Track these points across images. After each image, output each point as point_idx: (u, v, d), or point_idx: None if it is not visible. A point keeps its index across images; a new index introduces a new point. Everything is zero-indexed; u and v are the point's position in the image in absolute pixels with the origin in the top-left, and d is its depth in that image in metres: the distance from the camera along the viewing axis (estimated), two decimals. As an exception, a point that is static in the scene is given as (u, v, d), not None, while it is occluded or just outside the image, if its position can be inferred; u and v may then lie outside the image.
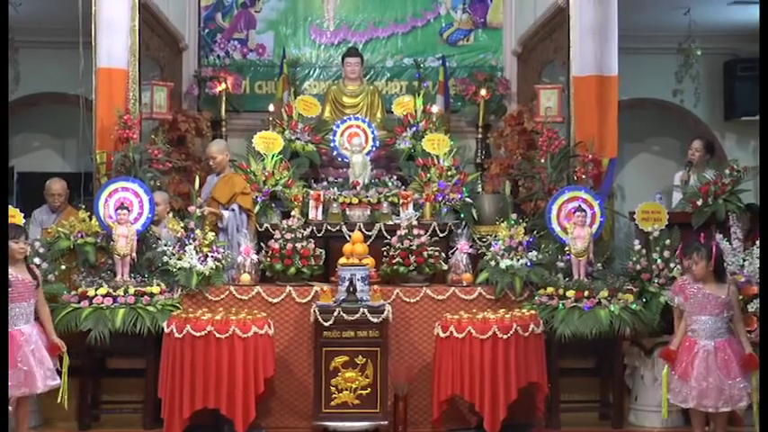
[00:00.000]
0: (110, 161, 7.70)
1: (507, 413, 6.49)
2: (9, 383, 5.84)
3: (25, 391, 6.07)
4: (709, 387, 6.06)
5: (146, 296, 6.98)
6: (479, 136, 9.65)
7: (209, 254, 7.27)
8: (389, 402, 6.67)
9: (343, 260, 7.14)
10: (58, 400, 6.36)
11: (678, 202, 8.12)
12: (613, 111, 8.09)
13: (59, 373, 6.26)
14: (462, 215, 8.42)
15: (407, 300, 7.18)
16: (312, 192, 8.33)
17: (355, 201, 8.24)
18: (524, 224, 7.52)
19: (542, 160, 8.11)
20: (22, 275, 6.15)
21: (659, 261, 7.30)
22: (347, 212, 8.19)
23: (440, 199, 8.36)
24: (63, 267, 7.24)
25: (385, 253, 7.50)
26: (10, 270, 6.04)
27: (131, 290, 6.97)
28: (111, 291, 6.95)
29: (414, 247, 7.37)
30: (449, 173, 8.59)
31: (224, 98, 9.52)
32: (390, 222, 8.01)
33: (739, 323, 6.20)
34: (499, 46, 10.39)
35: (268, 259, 7.41)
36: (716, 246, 6.29)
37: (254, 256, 7.48)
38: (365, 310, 6.62)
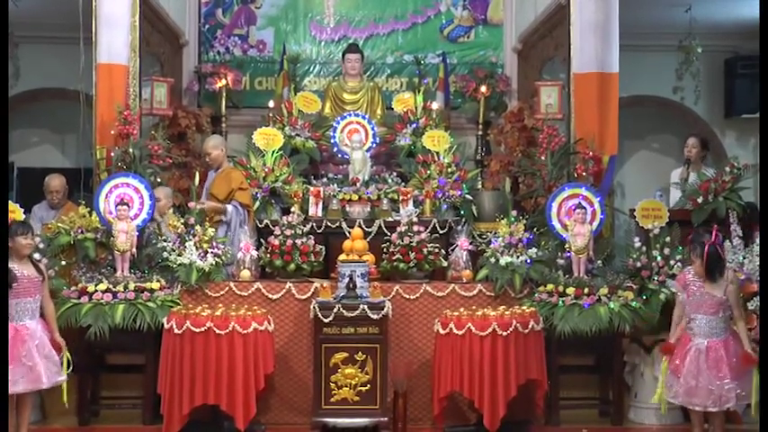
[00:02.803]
0: (110, 157, 7.68)
1: (507, 410, 6.49)
2: (12, 379, 5.84)
3: (28, 387, 6.06)
4: (698, 386, 6.03)
5: (145, 292, 6.98)
6: (479, 133, 9.62)
7: (209, 250, 7.27)
8: (389, 399, 6.67)
9: (342, 257, 7.15)
10: (64, 399, 6.36)
11: (678, 200, 8.12)
12: (614, 108, 8.08)
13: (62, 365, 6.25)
14: (462, 212, 8.42)
15: (407, 296, 7.18)
16: (312, 188, 8.33)
17: (355, 197, 8.24)
18: (524, 221, 7.52)
19: (542, 157, 8.11)
20: (27, 271, 6.15)
21: (659, 258, 7.30)
22: (347, 209, 8.18)
23: (440, 196, 8.36)
24: (63, 263, 7.24)
25: (385, 249, 7.49)
26: (14, 265, 6.05)
27: (131, 285, 6.97)
28: (110, 286, 6.95)
29: (413, 244, 7.37)
30: (449, 170, 8.59)
31: (224, 94, 9.49)
32: (390, 219, 8.00)
33: (740, 322, 6.15)
34: (500, 43, 10.38)
35: (268, 255, 7.41)
36: (708, 245, 6.21)
37: (254, 252, 7.48)
38: (365, 306, 6.62)
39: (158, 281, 7.08)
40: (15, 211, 7.00)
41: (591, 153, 7.85)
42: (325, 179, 8.79)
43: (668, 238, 7.38)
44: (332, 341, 6.62)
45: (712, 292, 6.12)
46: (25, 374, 6.00)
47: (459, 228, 7.76)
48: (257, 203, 8.23)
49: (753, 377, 6.03)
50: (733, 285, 6.18)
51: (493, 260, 7.32)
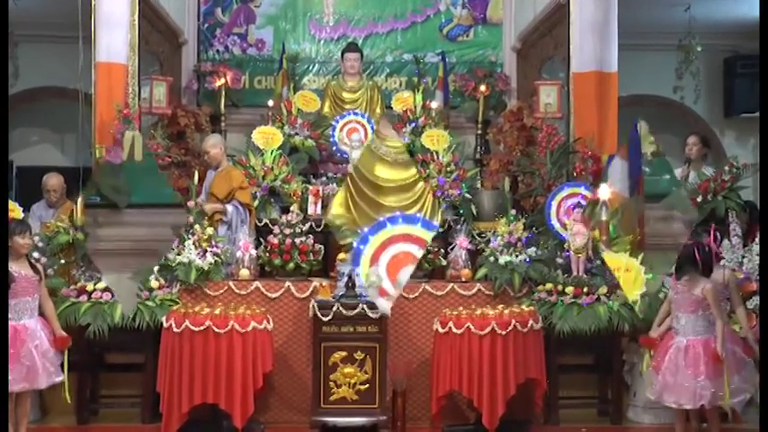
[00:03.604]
0: (109, 156, 7.69)
1: (506, 409, 6.49)
2: (11, 378, 5.84)
3: (26, 386, 6.06)
4: (676, 384, 6.05)
5: (145, 291, 6.98)
6: (479, 132, 9.62)
7: (208, 249, 7.27)
8: (388, 398, 6.67)
9: (342, 255, 7.14)
10: (67, 397, 6.34)
11: (678, 200, 8.13)
12: (613, 107, 8.10)
13: (62, 366, 6.25)
14: (461, 211, 8.40)
15: (406, 295, 7.16)
16: (311, 187, 8.33)
17: (355, 196, 8.23)
18: (523, 220, 7.52)
19: (542, 156, 8.11)
20: (24, 271, 6.15)
21: (658, 258, 7.31)
22: (346, 208, 8.18)
23: (439, 195, 8.35)
24: (62, 262, 7.23)
25: (384, 248, 7.48)
26: (12, 265, 6.05)
27: (131, 284, 6.98)
28: (109, 285, 6.94)
29: (413, 243, 7.36)
30: (448, 169, 8.57)
31: (223, 93, 9.48)
32: (390, 218, 8.00)
33: (718, 321, 6.05)
34: (499, 42, 10.37)
35: (267, 254, 7.42)
36: (684, 245, 6.15)
37: (253, 251, 7.47)
38: (364, 305, 6.61)
39: (157, 280, 7.08)
40: (15, 210, 7.00)
41: (590, 152, 7.85)
42: (324, 178, 8.79)
43: (667, 238, 7.39)
44: (331, 340, 6.62)
45: (692, 290, 6.12)
46: (24, 374, 6.00)
47: (459, 227, 7.76)
48: (256, 202, 8.23)
49: (724, 376, 5.95)
50: (710, 285, 6.10)
51: (492, 259, 7.32)
